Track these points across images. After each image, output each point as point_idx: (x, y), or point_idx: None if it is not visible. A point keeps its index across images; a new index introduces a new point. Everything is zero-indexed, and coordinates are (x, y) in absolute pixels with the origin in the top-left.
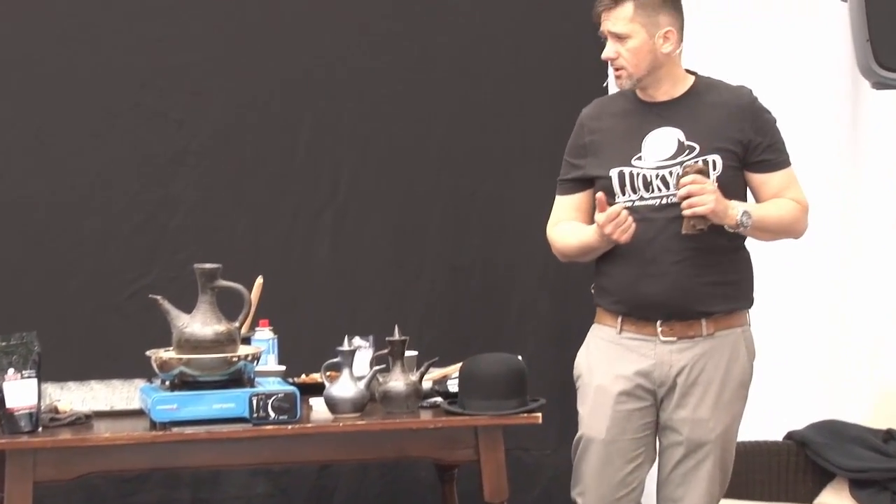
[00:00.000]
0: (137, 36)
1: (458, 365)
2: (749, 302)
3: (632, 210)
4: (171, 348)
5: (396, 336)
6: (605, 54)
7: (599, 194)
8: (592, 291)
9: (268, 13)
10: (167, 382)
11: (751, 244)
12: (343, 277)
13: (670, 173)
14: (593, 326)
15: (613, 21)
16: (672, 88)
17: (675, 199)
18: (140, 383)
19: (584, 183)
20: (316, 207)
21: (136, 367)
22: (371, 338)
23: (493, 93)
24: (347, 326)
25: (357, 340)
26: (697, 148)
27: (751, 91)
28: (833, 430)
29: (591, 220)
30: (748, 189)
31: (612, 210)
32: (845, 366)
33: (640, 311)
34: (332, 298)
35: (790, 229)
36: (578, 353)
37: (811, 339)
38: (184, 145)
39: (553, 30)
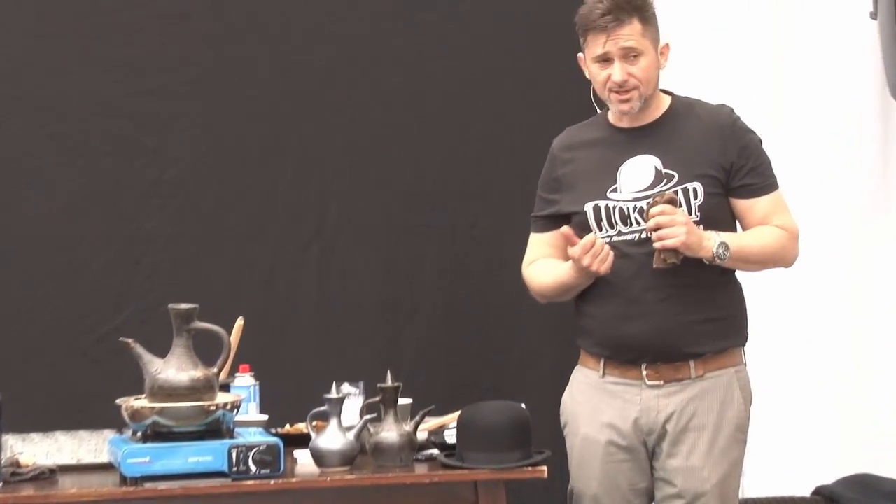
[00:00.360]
0: (106, 56)
1: (457, 414)
2: (742, 339)
3: (610, 246)
4: (144, 396)
5: (389, 382)
6: (617, 76)
7: (564, 228)
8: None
9: (249, 33)
10: (139, 433)
11: (757, 275)
12: (331, 318)
13: (648, 205)
14: (577, 368)
15: (626, 38)
16: (654, 111)
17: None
18: (109, 434)
19: (559, 219)
20: (301, 242)
21: (105, 417)
22: (361, 384)
23: (492, 121)
24: (335, 372)
25: (346, 387)
26: (676, 176)
27: (732, 110)
28: (865, 485)
29: (568, 258)
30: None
31: (585, 240)
32: (878, 415)
33: (623, 354)
34: (318, 341)
35: (777, 258)
36: (563, 398)
37: (839, 384)
38: (157, 175)
39: (556, 61)
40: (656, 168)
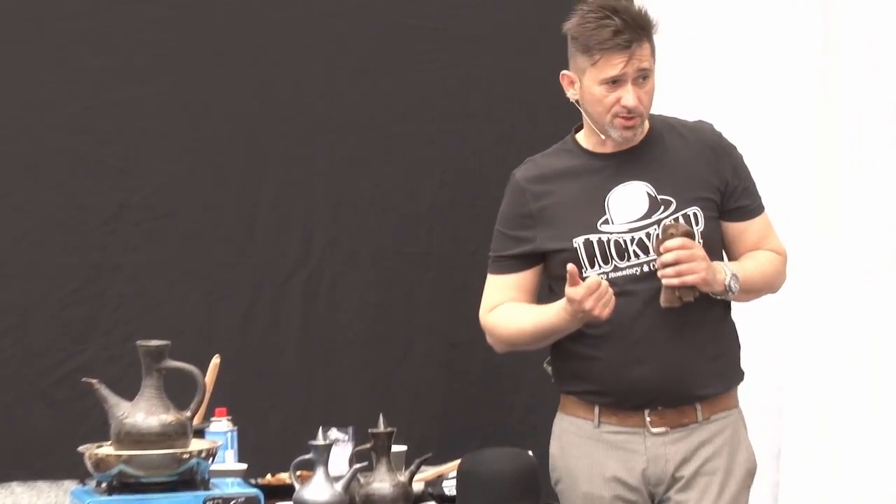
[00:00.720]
0: (70, 67)
1: (456, 462)
2: (741, 377)
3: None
4: (109, 443)
5: (381, 427)
6: (630, 101)
7: (570, 266)
8: (548, 370)
9: (226, 42)
10: (104, 484)
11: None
12: (316, 355)
13: (648, 235)
14: (559, 418)
15: (642, 59)
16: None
17: (656, 266)
18: (71, 485)
19: (531, 259)
20: (284, 271)
21: (65, 466)
22: (350, 430)
23: (495, 137)
24: (322, 415)
25: (334, 433)
26: (674, 202)
27: (712, 125)
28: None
29: (537, 303)
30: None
31: (590, 282)
32: None
33: (626, 401)
34: (303, 381)
35: (772, 286)
36: (551, 452)
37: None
38: (125, 198)
39: (555, 83)
40: (649, 194)
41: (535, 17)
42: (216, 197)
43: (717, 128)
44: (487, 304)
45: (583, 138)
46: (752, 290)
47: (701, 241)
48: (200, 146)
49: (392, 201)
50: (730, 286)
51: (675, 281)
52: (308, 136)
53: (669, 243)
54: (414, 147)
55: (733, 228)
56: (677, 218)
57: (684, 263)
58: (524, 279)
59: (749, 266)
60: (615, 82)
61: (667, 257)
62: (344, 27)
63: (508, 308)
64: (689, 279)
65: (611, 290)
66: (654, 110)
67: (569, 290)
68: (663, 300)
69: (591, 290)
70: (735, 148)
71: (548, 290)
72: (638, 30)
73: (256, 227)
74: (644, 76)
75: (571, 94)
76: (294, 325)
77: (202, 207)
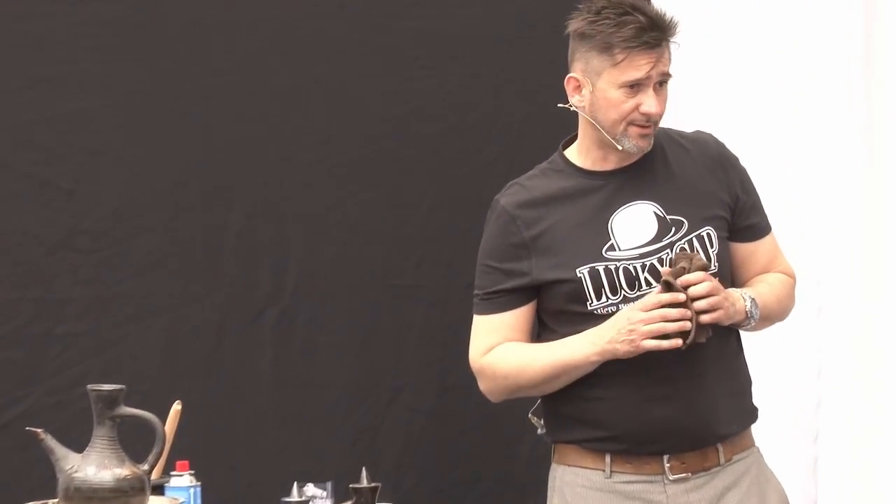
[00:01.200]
0: (11, 76)
1: None
2: (756, 413)
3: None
4: (57, 500)
5: (364, 482)
6: (653, 107)
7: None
8: (534, 421)
9: (190, 48)
10: None
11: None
12: (291, 401)
13: (660, 261)
14: (557, 470)
15: (665, 61)
16: None
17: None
18: None
19: (526, 294)
20: (254, 307)
21: None
22: (329, 485)
23: (491, 156)
24: (297, 469)
25: (310, 489)
26: (686, 223)
27: (714, 136)
28: None
29: (533, 342)
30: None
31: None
32: None
33: (644, 446)
34: (275, 430)
35: (785, 312)
36: None
37: None
38: (74, 224)
39: (552, 99)
40: (657, 215)
41: (538, 24)
42: (178, 222)
43: (731, 136)
44: (480, 346)
45: (575, 155)
46: (768, 318)
47: (716, 265)
48: (160, 165)
49: (376, 227)
50: (751, 313)
51: (705, 318)
52: (282, 155)
53: (690, 277)
54: (401, 166)
55: (743, 250)
56: (691, 240)
57: (708, 298)
58: (519, 318)
59: (763, 290)
60: (635, 86)
61: (699, 290)
62: (322, 35)
63: (511, 347)
64: (715, 316)
65: (675, 313)
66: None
67: (633, 312)
68: (691, 338)
69: (645, 307)
70: (738, 160)
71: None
72: (668, 28)
73: (223, 257)
74: (663, 81)
75: (577, 100)
76: (265, 366)
77: (161, 234)
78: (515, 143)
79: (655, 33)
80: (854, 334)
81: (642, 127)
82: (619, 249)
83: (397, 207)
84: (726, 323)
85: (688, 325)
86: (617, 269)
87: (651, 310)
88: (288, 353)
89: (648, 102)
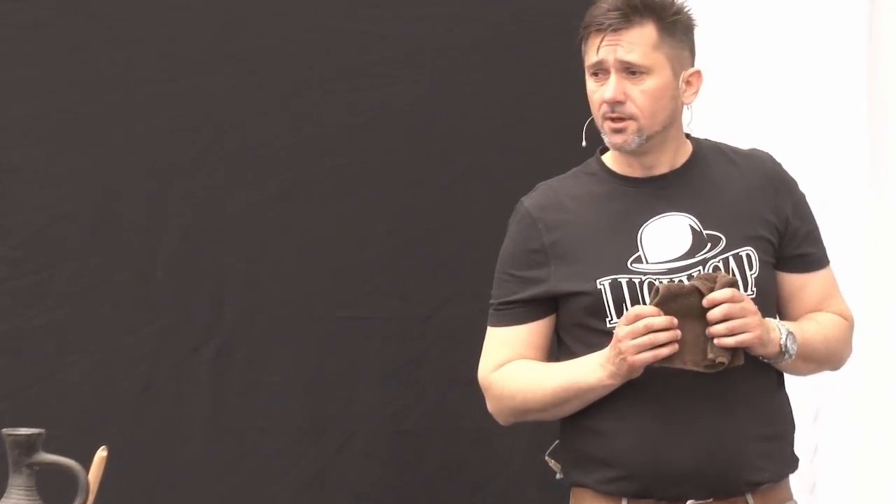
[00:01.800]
0: None
1: None
2: (796, 463)
3: None
4: None
5: None
6: (606, 94)
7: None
8: (552, 464)
9: (119, 47)
10: None
11: None
12: (231, 447)
13: (690, 278)
14: None
15: (627, 47)
16: (674, 157)
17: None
18: None
19: (544, 306)
20: (189, 341)
21: None
22: None
23: (455, 177)
24: None
25: None
26: (724, 239)
27: (771, 155)
28: None
29: (551, 360)
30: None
31: (635, 311)
32: None
33: (661, 488)
34: (213, 479)
35: (836, 358)
36: None
37: None
38: None
39: (539, 109)
40: (693, 229)
41: (510, 27)
42: (104, 247)
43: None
44: (491, 361)
45: (610, 159)
46: (812, 359)
47: (754, 289)
48: (83, 184)
49: (326, 254)
50: (786, 347)
51: (730, 341)
52: (220, 173)
53: (716, 295)
54: (354, 185)
55: (791, 282)
56: (728, 259)
57: (736, 320)
58: (534, 333)
59: (809, 328)
60: (597, 73)
61: (716, 313)
62: (265, 39)
63: (522, 365)
64: (744, 338)
65: (661, 322)
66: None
67: (623, 329)
68: (693, 362)
69: (628, 319)
70: (797, 184)
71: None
72: (632, 10)
73: (155, 285)
74: (633, 71)
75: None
76: (202, 407)
77: (86, 260)
78: (483, 160)
79: (616, 13)
80: (853, 379)
81: (612, 119)
82: (647, 262)
83: (349, 231)
84: (759, 351)
85: (676, 346)
86: (641, 283)
87: (633, 322)
88: (227, 393)
89: (603, 89)
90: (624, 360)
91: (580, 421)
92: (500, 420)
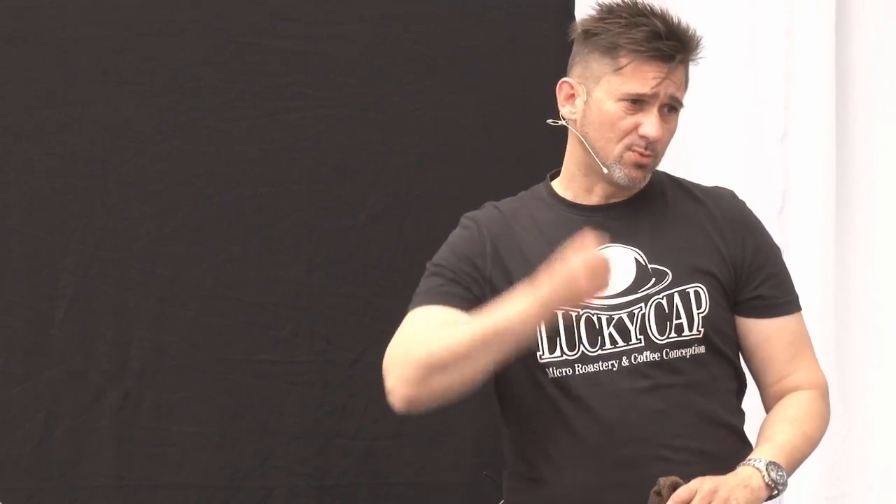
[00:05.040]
0: None
1: None
2: None
3: (572, 378)
4: None
5: None
6: (653, 130)
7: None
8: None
9: (4, 79)
10: None
11: None
12: None
13: (631, 316)
14: None
15: (678, 83)
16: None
17: (650, 358)
18: None
19: (470, 298)
20: (89, 390)
21: None
22: None
23: (385, 205)
24: None
25: None
26: (670, 274)
27: (734, 193)
28: None
29: None
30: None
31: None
32: None
33: None
34: None
35: (814, 446)
36: None
37: None
38: None
39: (457, 137)
40: (638, 262)
41: (442, 47)
42: None
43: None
44: (406, 336)
45: (560, 186)
46: (799, 464)
47: (700, 329)
48: None
49: (240, 291)
50: (775, 482)
51: None
52: (122, 203)
53: None
54: (271, 218)
55: (756, 331)
56: (673, 296)
57: None
58: (460, 315)
59: (787, 438)
60: (637, 102)
61: None
62: (171, 58)
63: (435, 320)
64: None
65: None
66: None
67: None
68: None
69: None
70: (763, 226)
71: None
72: (684, 42)
73: (51, 328)
74: (672, 108)
75: (568, 110)
76: (105, 462)
77: None
78: (407, 192)
79: (673, 43)
80: None
81: (641, 154)
82: None
83: (265, 268)
84: None
85: None
86: (578, 317)
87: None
88: (131, 447)
89: (649, 123)
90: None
91: (518, 468)
92: (400, 393)
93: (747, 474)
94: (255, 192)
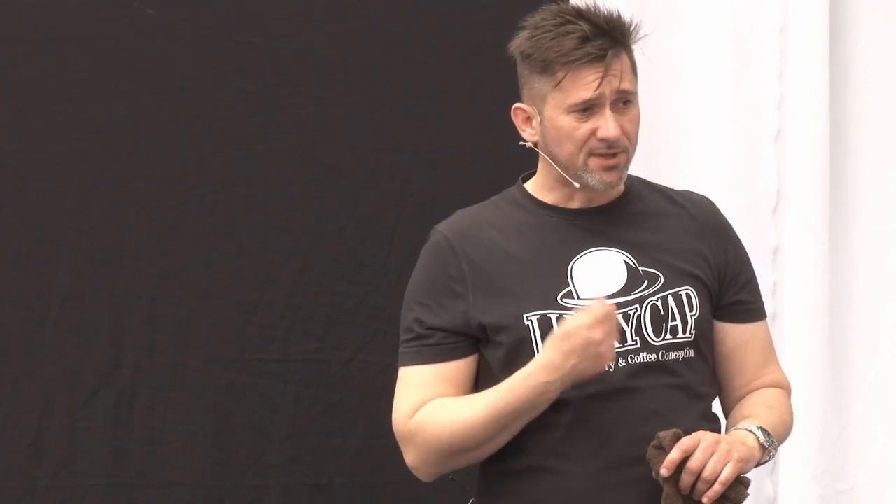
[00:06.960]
0: None
1: None
2: None
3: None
4: None
5: None
6: (611, 130)
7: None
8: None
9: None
10: None
11: None
12: None
13: (627, 318)
14: None
15: (624, 76)
16: (612, 189)
17: (646, 359)
18: None
19: (463, 344)
20: (84, 390)
21: None
22: None
23: (375, 208)
24: None
25: None
26: (661, 277)
27: (709, 198)
28: None
29: None
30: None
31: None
32: None
33: None
34: None
35: (787, 436)
36: None
37: None
38: None
39: (446, 136)
40: (628, 265)
41: (433, 45)
42: None
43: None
44: (406, 407)
45: (536, 189)
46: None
47: (693, 332)
48: None
49: (234, 291)
50: (767, 444)
51: (717, 488)
52: (116, 202)
53: (673, 456)
54: (264, 218)
55: (733, 335)
56: (667, 298)
57: (707, 467)
58: (457, 372)
59: (766, 415)
60: (587, 109)
61: (685, 477)
62: (153, 57)
63: (443, 401)
64: (727, 476)
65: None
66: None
67: (577, 319)
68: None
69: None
70: (735, 232)
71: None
72: (614, 36)
73: (45, 327)
74: (625, 100)
75: (528, 133)
76: (98, 463)
77: None
78: (401, 191)
79: (600, 41)
80: (812, 431)
81: (603, 157)
82: (579, 298)
83: (259, 267)
84: (749, 468)
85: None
86: None
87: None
88: (125, 447)
89: (605, 125)
90: (601, 356)
91: (497, 466)
92: (423, 472)
93: (742, 435)
94: (248, 190)
